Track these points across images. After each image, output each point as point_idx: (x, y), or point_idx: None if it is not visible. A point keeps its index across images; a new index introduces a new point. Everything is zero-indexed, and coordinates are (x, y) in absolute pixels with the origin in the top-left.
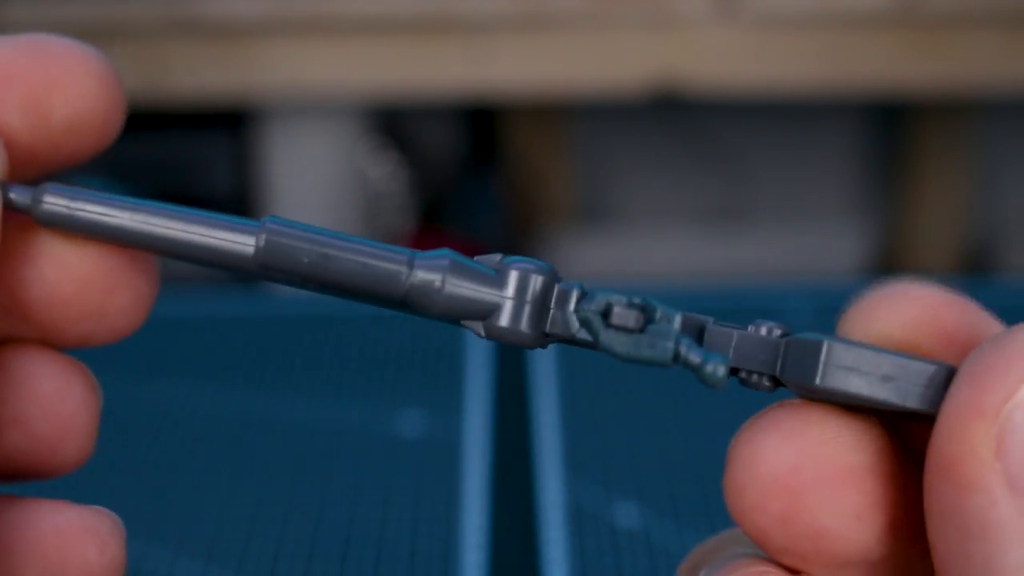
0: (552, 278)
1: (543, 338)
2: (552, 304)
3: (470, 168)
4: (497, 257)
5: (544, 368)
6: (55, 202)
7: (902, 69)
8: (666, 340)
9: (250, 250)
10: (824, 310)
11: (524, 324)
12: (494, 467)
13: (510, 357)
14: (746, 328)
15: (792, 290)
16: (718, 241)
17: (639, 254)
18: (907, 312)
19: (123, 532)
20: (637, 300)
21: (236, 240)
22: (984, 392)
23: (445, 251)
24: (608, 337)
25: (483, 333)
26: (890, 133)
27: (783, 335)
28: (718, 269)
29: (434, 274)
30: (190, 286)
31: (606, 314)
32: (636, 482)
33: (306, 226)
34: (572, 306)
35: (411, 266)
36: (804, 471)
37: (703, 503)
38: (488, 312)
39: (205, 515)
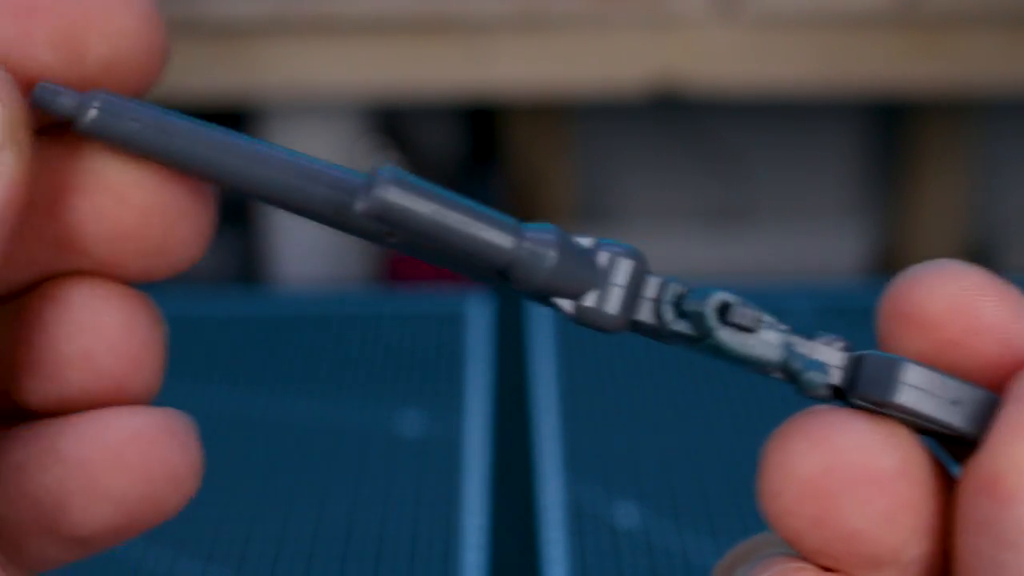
0: (645, 267)
1: (631, 325)
2: (646, 293)
3: (470, 168)
4: (590, 239)
5: (544, 368)
6: (106, 110)
7: (902, 69)
8: (775, 342)
9: (348, 199)
10: (824, 310)
11: (616, 308)
12: (494, 467)
13: (510, 357)
14: (812, 338)
15: (792, 290)
16: (718, 241)
17: None
18: (946, 295)
19: (197, 431)
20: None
21: (339, 186)
22: None
23: (550, 226)
24: (724, 334)
25: (573, 312)
26: (890, 133)
27: (845, 348)
28: (718, 269)
29: (542, 248)
30: (189, 286)
31: (723, 311)
32: (636, 482)
33: (422, 181)
34: (669, 298)
35: (518, 236)
36: (836, 475)
37: (703, 503)
38: (581, 292)
39: (205, 515)
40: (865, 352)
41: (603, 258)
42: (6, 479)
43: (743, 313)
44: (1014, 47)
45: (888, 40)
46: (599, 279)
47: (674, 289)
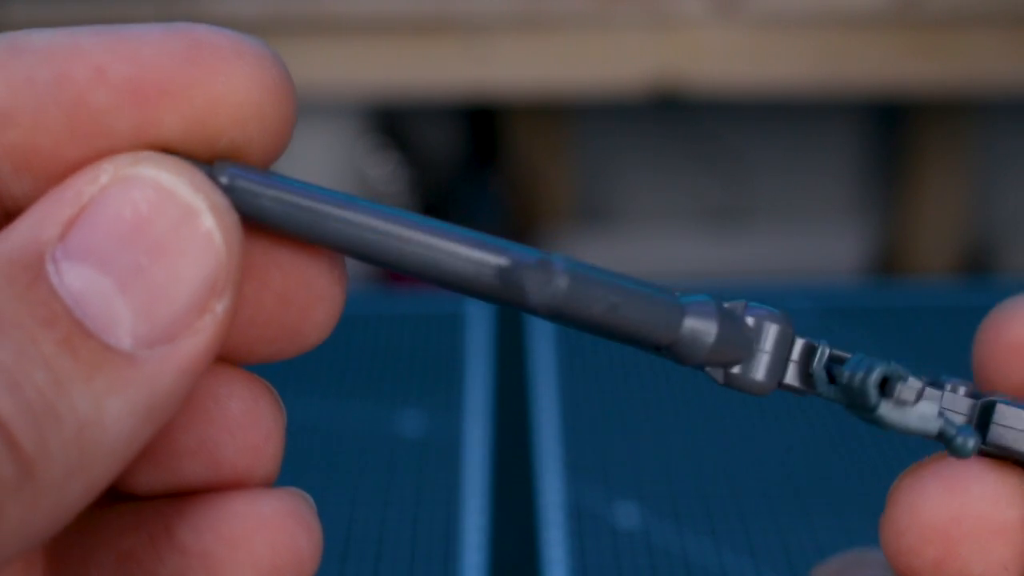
0: (792, 330)
1: (777, 387)
2: (795, 357)
3: (470, 168)
4: (741, 304)
5: (544, 368)
6: (236, 183)
7: (902, 69)
8: (932, 414)
9: (499, 278)
10: (824, 310)
11: (764, 375)
12: (494, 467)
13: (510, 357)
14: (943, 386)
15: (792, 290)
16: (718, 241)
17: (639, 254)
18: None
19: (315, 508)
20: (918, 376)
21: (487, 263)
22: None
23: (708, 297)
24: (885, 409)
25: (722, 381)
26: (890, 133)
27: (970, 393)
28: (718, 269)
29: (706, 324)
30: None
31: (883, 385)
32: (636, 482)
33: (594, 268)
34: (821, 364)
35: (682, 314)
36: (963, 522)
37: (703, 503)
38: (737, 361)
39: None
40: (994, 399)
41: (759, 325)
42: (110, 568)
43: (905, 388)
44: (1014, 47)
45: (888, 40)
46: (755, 349)
47: (824, 353)
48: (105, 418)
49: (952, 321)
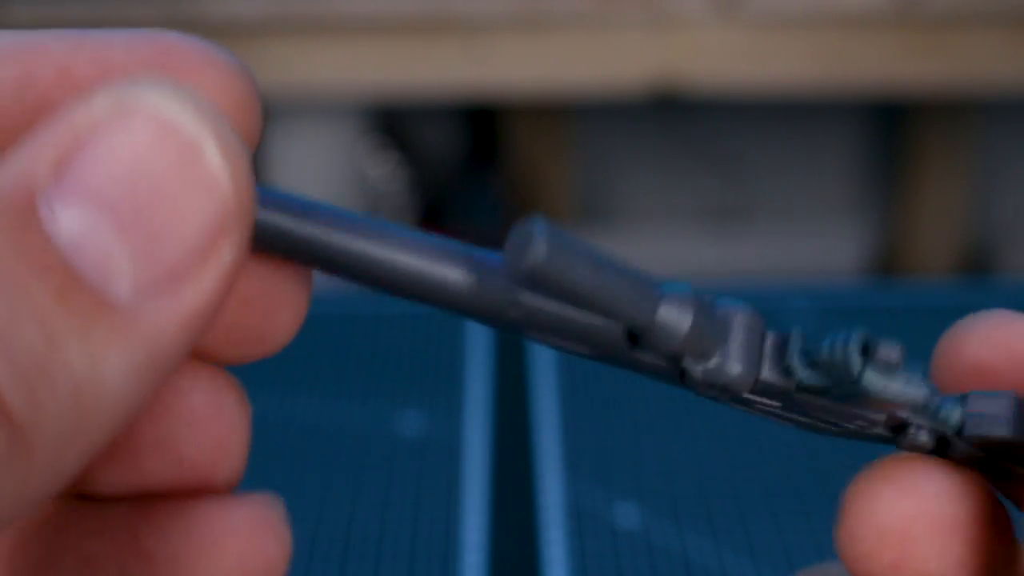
0: (761, 321)
1: (756, 383)
2: (769, 352)
3: (470, 168)
4: (710, 297)
5: (544, 368)
6: None
7: (902, 69)
8: (918, 380)
9: (461, 277)
10: (824, 310)
11: (742, 366)
12: (494, 467)
13: (510, 357)
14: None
15: (792, 290)
16: (718, 241)
17: (639, 254)
18: (999, 343)
19: (285, 513)
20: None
21: (468, 262)
22: None
23: (686, 287)
24: (871, 375)
25: (699, 375)
26: (890, 133)
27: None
28: (718, 269)
29: (681, 310)
30: None
31: (866, 349)
32: (636, 482)
33: (574, 239)
34: (797, 349)
35: (659, 296)
36: (918, 523)
37: (703, 503)
38: (708, 354)
39: None
40: (970, 393)
41: (730, 318)
42: (72, 573)
43: (888, 349)
44: (1014, 47)
45: (888, 40)
46: (727, 341)
47: (798, 339)
48: (103, 376)
49: (952, 321)
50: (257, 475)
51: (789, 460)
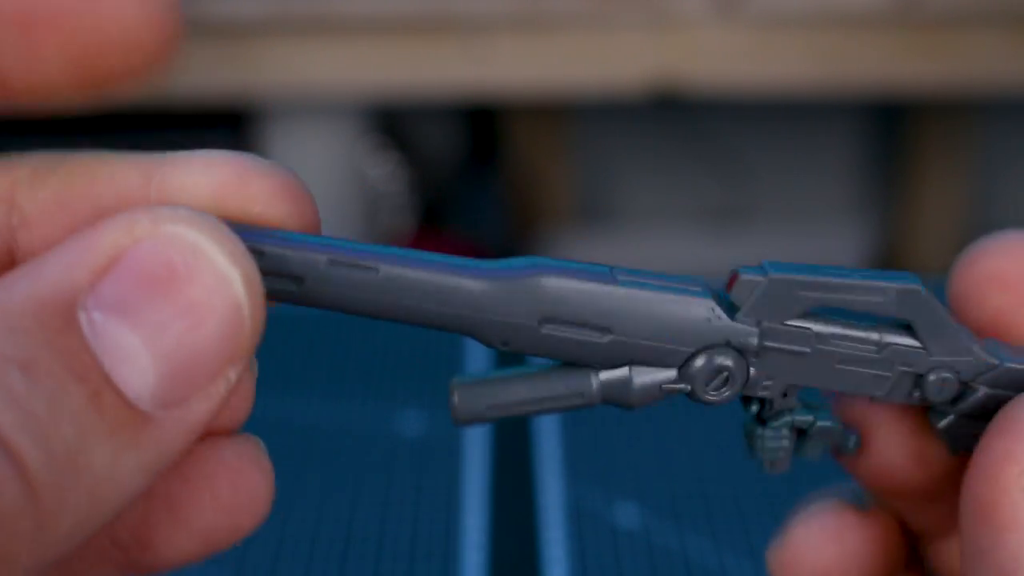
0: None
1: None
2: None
3: (470, 168)
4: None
5: None
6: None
7: (902, 69)
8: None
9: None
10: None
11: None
12: (494, 467)
13: (510, 357)
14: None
15: None
16: (718, 241)
17: (639, 254)
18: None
19: (267, 452)
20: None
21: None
22: (1014, 441)
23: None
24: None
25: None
26: (890, 133)
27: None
28: (718, 269)
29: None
30: None
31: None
32: (636, 482)
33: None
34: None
35: (589, 379)
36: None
37: (703, 503)
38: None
39: None
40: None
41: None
42: None
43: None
44: (1014, 47)
45: (888, 40)
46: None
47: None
48: (118, 474)
49: None
50: None
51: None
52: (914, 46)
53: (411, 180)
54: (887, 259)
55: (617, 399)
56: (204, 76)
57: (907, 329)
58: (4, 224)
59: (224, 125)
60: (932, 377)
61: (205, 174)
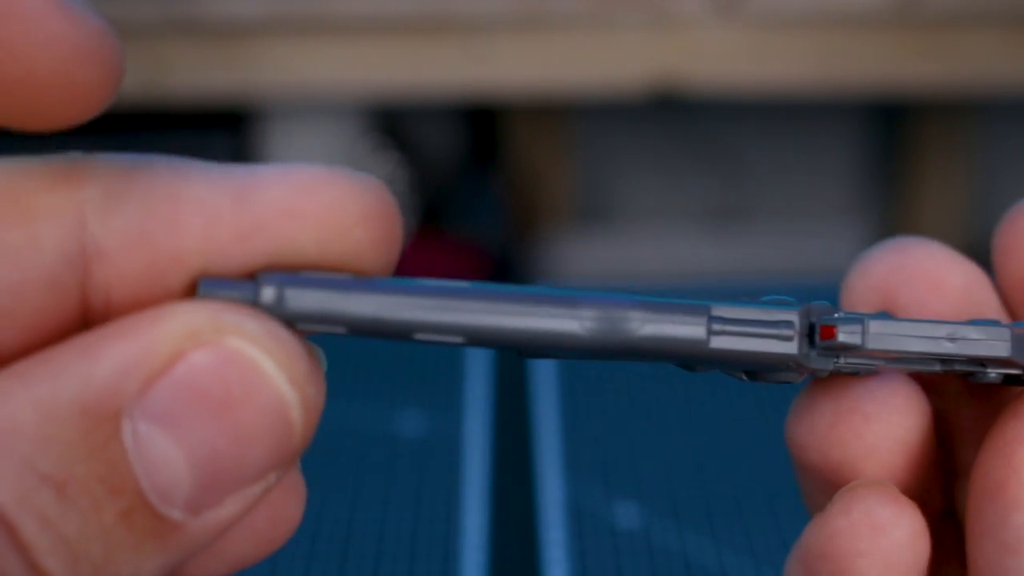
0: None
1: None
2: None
3: (470, 168)
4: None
5: (544, 368)
6: (280, 287)
7: (902, 69)
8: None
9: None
10: None
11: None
12: (494, 467)
13: (510, 357)
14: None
15: (792, 290)
16: (718, 241)
17: (639, 254)
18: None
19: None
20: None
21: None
22: None
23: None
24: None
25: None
26: (890, 133)
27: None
28: (718, 269)
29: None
30: None
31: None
32: (636, 482)
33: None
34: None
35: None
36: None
37: (703, 503)
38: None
39: None
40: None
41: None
42: None
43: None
44: (1014, 47)
45: (888, 40)
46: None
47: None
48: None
49: None
50: None
51: (789, 460)
52: (914, 46)
53: (411, 180)
54: None
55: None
56: (204, 76)
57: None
58: (75, 252)
59: (224, 125)
60: (991, 374)
61: (304, 197)
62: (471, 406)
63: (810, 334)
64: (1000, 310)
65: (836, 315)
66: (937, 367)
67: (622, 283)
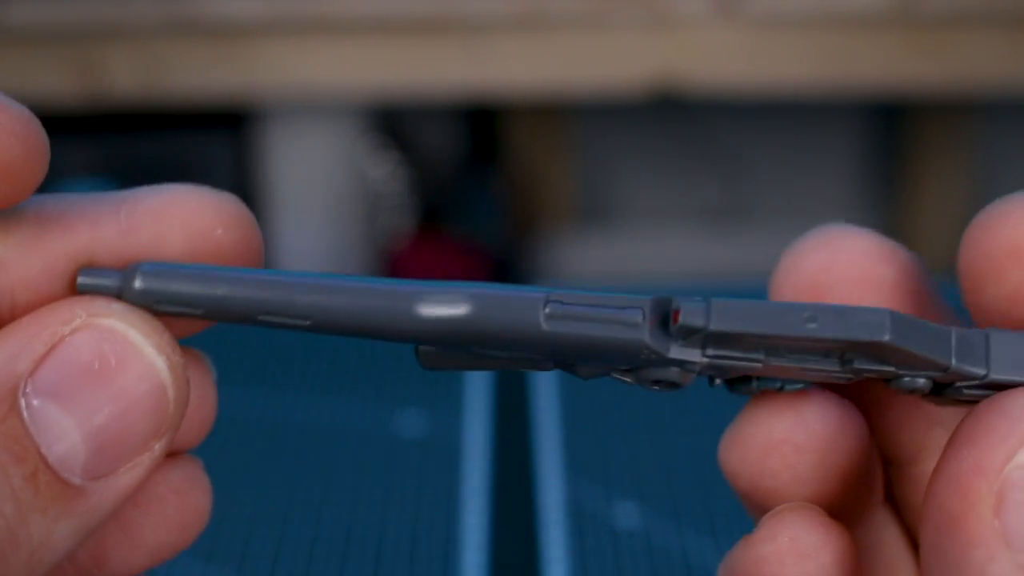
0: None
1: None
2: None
3: (470, 168)
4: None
5: None
6: (151, 277)
7: (902, 69)
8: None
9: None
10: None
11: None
12: (494, 467)
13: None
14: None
15: None
16: (718, 241)
17: (639, 254)
18: (835, 257)
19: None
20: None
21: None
22: (985, 452)
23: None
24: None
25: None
26: (890, 133)
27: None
28: (718, 269)
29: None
30: None
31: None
32: (636, 482)
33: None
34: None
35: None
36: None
37: (703, 503)
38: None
39: None
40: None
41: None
42: None
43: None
44: (1014, 47)
45: (888, 40)
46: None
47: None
48: (53, 542)
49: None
50: (257, 475)
51: None
52: (914, 46)
53: (411, 180)
54: None
55: (568, 370)
56: (203, 76)
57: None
58: None
59: (223, 125)
60: (905, 379)
61: (174, 204)
62: (471, 406)
63: (665, 323)
64: (937, 306)
65: (684, 299)
66: (835, 366)
67: (622, 283)
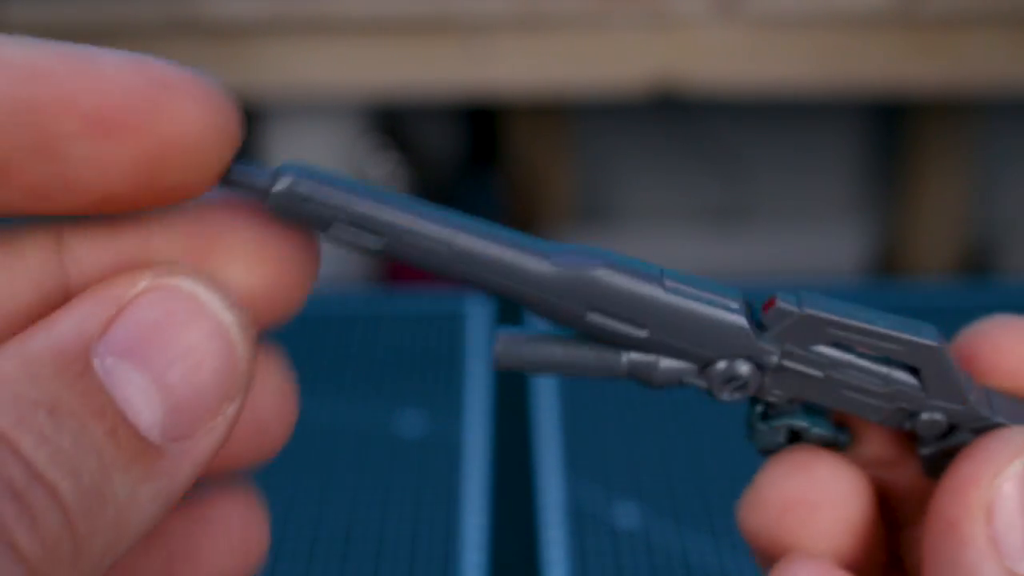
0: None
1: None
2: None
3: (470, 168)
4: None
5: None
6: (298, 180)
7: (902, 69)
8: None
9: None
10: None
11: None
12: (494, 467)
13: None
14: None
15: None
16: (718, 241)
17: (639, 254)
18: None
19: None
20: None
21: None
22: (980, 466)
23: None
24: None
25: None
26: (890, 133)
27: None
28: (718, 269)
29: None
30: None
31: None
32: (636, 482)
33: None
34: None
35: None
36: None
37: (703, 503)
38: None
39: None
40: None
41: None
42: None
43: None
44: (1014, 47)
45: (888, 40)
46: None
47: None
48: (138, 502)
49: (952, 321)
50: (258, 475)
51: None
52: (914, 46)
53: (411, 180)
54: (887, 259)
55: (641, 378)
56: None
57: (915, 371)
58: (54, 262)
59: None
60: (924, 416)
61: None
62: (471, 406)
63: (754, 322)
64: None
65: (779, 291)
66: (879, 384)
67: None
